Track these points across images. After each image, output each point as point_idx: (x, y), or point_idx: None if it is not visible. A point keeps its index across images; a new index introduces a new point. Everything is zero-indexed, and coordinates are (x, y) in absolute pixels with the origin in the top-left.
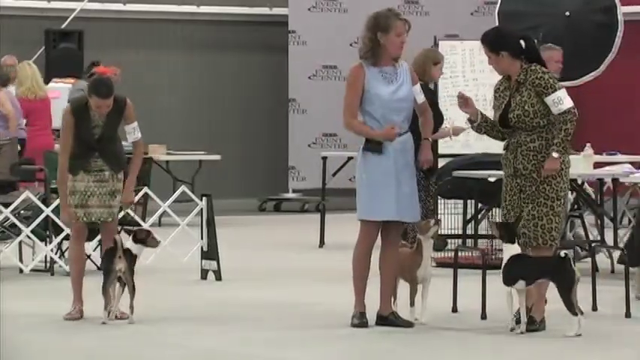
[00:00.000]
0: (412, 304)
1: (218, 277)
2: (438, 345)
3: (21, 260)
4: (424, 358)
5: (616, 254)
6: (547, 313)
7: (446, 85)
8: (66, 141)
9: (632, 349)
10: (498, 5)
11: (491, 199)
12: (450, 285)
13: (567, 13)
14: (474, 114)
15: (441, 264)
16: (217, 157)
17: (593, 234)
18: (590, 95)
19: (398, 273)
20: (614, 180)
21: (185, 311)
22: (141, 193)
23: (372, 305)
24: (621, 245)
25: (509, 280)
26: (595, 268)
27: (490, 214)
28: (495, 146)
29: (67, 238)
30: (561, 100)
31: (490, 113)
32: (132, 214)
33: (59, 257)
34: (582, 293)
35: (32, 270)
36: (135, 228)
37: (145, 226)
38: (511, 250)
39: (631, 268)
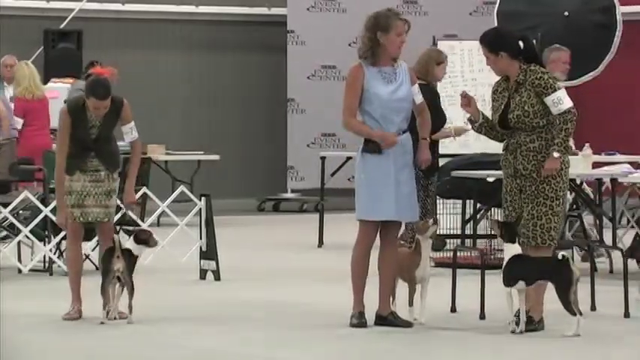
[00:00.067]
0: (411, 304)
1: (217, 277)
2: (436, 345)
3: (20, 260)
4: (423, 358)
5: (615, 254)
6: (545, 313)
7: (445, 85)
8: (63, 141)
9: (631, 349)
10: (497, 5)
11: (490, 199)
12: (449, 285)
13: (566, 13)
14: (476, 114)
15: (439, 264)
16: (216, 157)
17: (592, 234)
18: (588, 95)
19: (397, 273)
20: (613, 180)
21: (184, 311)
22: (140, 193)
23: (371, 305)
24: (620, 245)
25: (509, 281)
26: (594, 268)
27: (489, 213)
28: (494, 146)
29: (65, 238)
30: (561, 101)
31: (489, 113)
32: (130, 214)
33: (58, 257)
34: (581, 293)
35: (31, 270)
36: (136, 228)
37: (144, 226)
38: (512, 250)
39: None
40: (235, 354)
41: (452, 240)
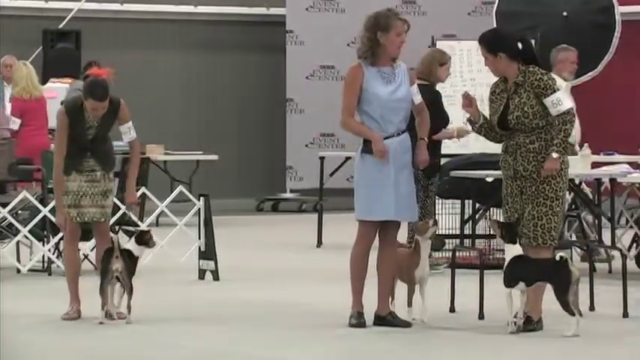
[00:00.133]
0: (410, 304)
1: (216, 277)
2: (436, 345)
3: (18, 260)
4: (423, 358)
5: (613, 254)
6: (544, 313)
7: (444, 85)
8: (61, 142)
9: (630, 348)
10: (496, 5)
11: (489, 199)
12: (448, 285)
13: (565, 14)
14: (476, 115)
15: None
16: (215, 157)
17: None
18: (587, 95)
19: (396, 273)
20: (612, 180)
21: (183, 311)
22: (139, 193)
23: (370, 305)
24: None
25: (510, 282)
26: (592, 268)
27: (488, 213)
28: (493, 146)
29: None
30: (560, 102)
31: (487, 113)
32: (130, 214)
33: (56, 257)
34: (580, 294)
35: (30, 270)
36: (137, 229)
37: (143, 226)
38: (513, 250)
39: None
40: (234, 354)
41: (451, 240)
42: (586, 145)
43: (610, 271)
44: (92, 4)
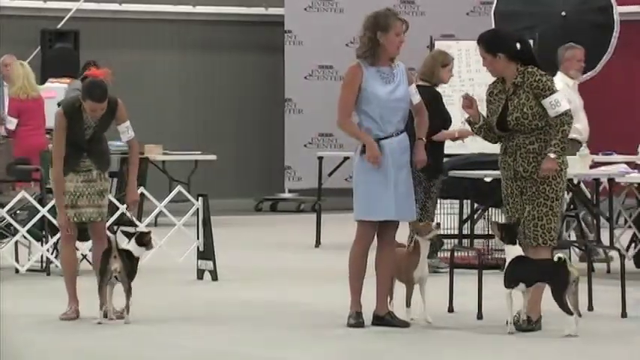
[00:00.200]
0: (408, 304)
1: (214, 277)
2: (434, 345)
3: (17, 260)
4: (422, 358)
5: (612, 254)
6: (543, 313)
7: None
8: (60, 143)
9: (629, 348)
10: (494, 5)
11: (487, 199)
12: (446, 285)
13: (563, 14)
14: (476, 116)
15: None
16: (213, 157)
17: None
18: (586, 95)
19: (394, 273)
20: (610, 180)
21: (182, 311)
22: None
23: (369, 305)
24: (617, 245)
25: (510, 282)
26: (591, 268)
27: (486, 214)
28: (491, 146)
29: None
30: (558, 103)
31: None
32: (128, 214)
33: (55, 257)
34: (579, 293)
35: (28, 270)
36: (137, 230)
37: (141, 226)
38: (513, 251)
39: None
40: (234, 354)
41: (449, 240)
42: (584, 145)
43: (608, 271)
44: (90, 4)
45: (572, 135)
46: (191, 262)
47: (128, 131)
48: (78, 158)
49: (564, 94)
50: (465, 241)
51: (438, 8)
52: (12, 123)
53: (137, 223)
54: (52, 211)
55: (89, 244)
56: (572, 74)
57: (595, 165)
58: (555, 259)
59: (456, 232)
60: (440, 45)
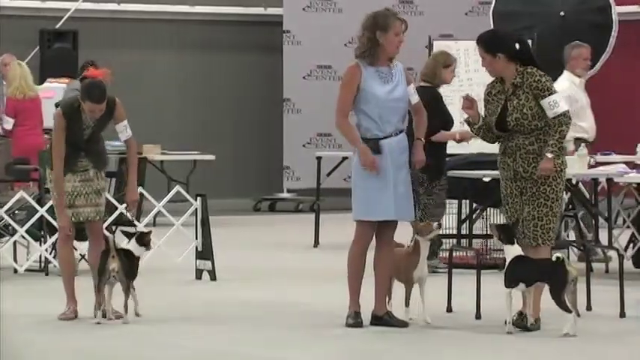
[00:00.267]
0: (407, 304)
1: (213, 277)
2: (433, 345)
3: (15, 260)
4: (421, 358)
5: (610, 254)
6: (542, 312)
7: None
8: (60, 144)
9: (628, 348)
10: (493, 5)
11: (486, 199)
12: (445, 285)
13: (562, 14)
14: (476, 117)
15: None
16: (212, 157)
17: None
18: None
19: (393, 273)
20: (609, 180)
21: (181, 311)
22: None
23: (367, 305)
24: (616, 245)
25: (511, 282)
26: (589, 268)
27: (485, 214)
28: (490, 146)
29: None
30: (557, 104)
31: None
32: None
33: (53, 257)
34: (578, 294)
35: (27, 270)
36: (137, 230)
37: (140, 226)
38: (512, 251)
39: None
40: (234, 354)
41: (448, 240)
42: (583, 145)
43: (607, 271)
44: (89, 4)
45: (578, 134)
46: (190, 262)
47: (126, 130)
48: (76, 158)
49: (571, 92)
50: (464, 241)
51: (437, 8)
52: (9, 123)
53: (136, 223)
54: (51, 211)
55: (87, 244)
56: (578, 72)
57: (594, 165)
58: (554, 258)
59: (455, 232)
60: (438, 45)
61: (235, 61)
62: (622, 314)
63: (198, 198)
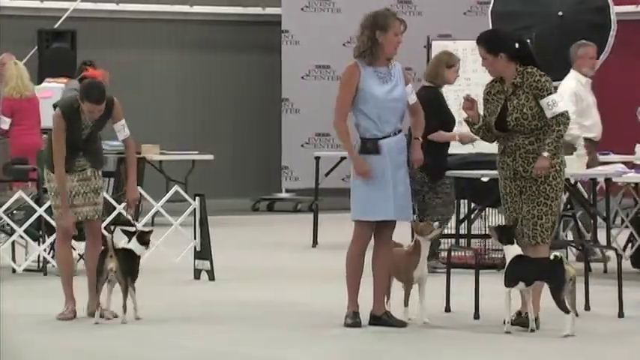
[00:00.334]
0: (406, 304)
1: (211, 277)
2: (432, 344)
3: (14, 260)
4: (420, 358)
5: (609, 254)
6: (541, 312)
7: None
8: (60, 145)
9: (626, 348)
10: (491, 5)
11: (485, 198)
12: (443, 285)
13: (560, 13)
14: (476, 117)
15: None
16: (210, 157)
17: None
18: None
19: (393, 273)
20: (607, 180)
21: (180, 311)
22: None
23: (366, 305)
24: (614, 245)
25: (510, 281)
26: (588, 268)
27: (483, 213)
28: (489, 146)
29: None
30: (555, 103)
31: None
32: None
33: (52, 257)
34: (577, 293)
35: (25, 270)
36: (137, 229)
37: (139, 226)
38: (513, 251)
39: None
40: (234, 354)
41: (446, 240)
42: (581, 145)
43: (605, 271)
44: (87, 4)
45: (585, 134)
46: (188, 262)
47: (124, 129)
48: (74, 158)
49: (577, 91)
50: (462, 241)
51: (435, 8)
52: (5, 123)
53: (134, 222)
54: (49, 210)
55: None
56: (584, 71)
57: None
58: (552, 257)
59: (453, 231)
60: (437, 45)
61: (234, 61)
62: (620, 314)
63: (197, 198)
